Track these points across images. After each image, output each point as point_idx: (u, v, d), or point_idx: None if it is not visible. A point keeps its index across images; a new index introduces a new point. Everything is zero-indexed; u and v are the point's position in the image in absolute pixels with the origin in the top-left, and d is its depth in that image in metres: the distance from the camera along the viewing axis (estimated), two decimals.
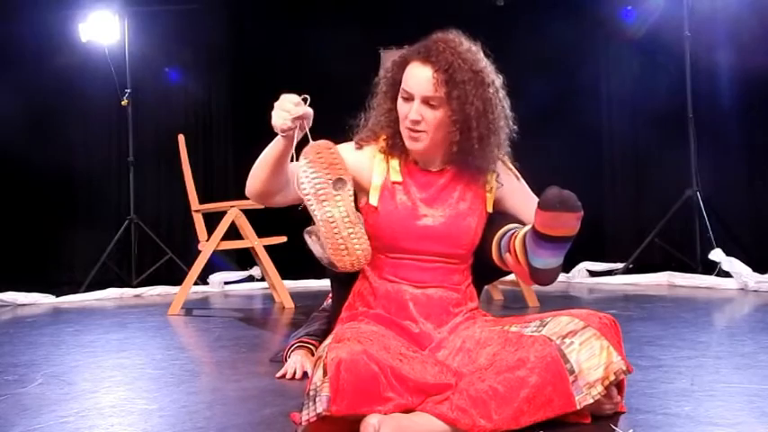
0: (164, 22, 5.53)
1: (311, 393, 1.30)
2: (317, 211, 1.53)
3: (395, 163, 1.74)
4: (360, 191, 1.73)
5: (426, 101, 1.65)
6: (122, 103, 5.20)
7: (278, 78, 5.78)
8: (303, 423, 1.30)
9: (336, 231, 1.52)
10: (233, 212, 3.60)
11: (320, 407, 1.26)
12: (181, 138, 3.80)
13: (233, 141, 6.10)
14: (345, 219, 1.52)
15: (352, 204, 1.57)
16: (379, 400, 1.30)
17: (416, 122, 1.65)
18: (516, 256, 1.58)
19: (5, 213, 5.17)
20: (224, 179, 6.03)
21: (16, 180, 5.28)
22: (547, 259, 1.52)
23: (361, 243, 1.52)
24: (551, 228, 1.47)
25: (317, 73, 5.50)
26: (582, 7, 5.46)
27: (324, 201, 1.52)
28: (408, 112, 1.66)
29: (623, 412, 1.46)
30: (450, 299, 1.71)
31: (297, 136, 1.55)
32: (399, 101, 1.69)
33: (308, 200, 1.53)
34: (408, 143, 1.69)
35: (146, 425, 1.51)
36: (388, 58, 5.57)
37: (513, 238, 1.60)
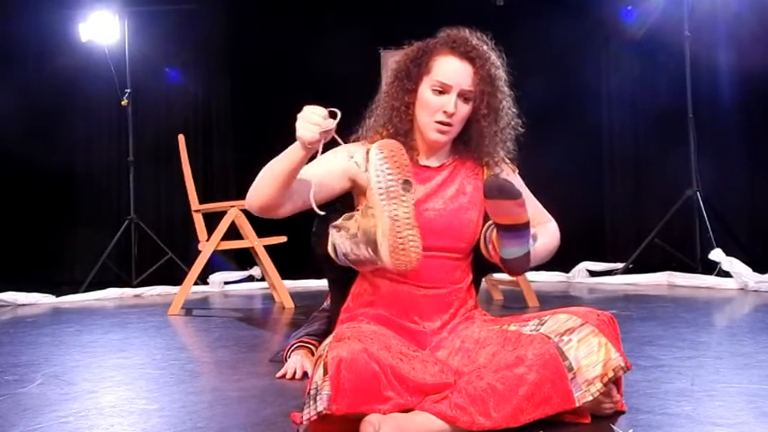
0: (163, 22, 5.53)
1: (312, 392, 1.30)
2: (385, 207, 1.53)
3: None
4: (359, 191, 1.73)
5: (462, 94, 1.68)
6: (122, 103, 5.20)
7: (278, 78, 5.79)
8: (304, 422, 1.30)
9: (399, 231, 1.53)
10: (233, 212, 3.60)
11: (321, 405, 1.26)
12: (181, 138, 3.80)
13: (233, 141, 6.10)
14: (407, 220, 1.53)
15: (414, 208, 1.57)
16: (380, 399, 1.30)
17: (451, 115, 1.67)
18: (495, 248, 1.61)
19: (6, 213, 5.17)
20: (224, 179, 6.04)
21: (16, 180, 5.29)
22: (509, 248, 1.56)
23: (416, 246, 1.53)
24: (498, 216, 1.53)
25: (317, 73, 5.50)
26: (582, 7, 5.46)
27: (393, 199, 1.53)
28: (443, 104, 1.67)
29: (623, 412, 1.46)
30: (451, 298, 1.71)
31: (320, 148, 1.55)
32: (427, 93, 1.69)
33: (381, 194, 1.54)
34: (435, 135, 1.70)
35: (146, 425, 1.51)
36: (388, 58, 5.61)
37: (493, 230, 1.62)
